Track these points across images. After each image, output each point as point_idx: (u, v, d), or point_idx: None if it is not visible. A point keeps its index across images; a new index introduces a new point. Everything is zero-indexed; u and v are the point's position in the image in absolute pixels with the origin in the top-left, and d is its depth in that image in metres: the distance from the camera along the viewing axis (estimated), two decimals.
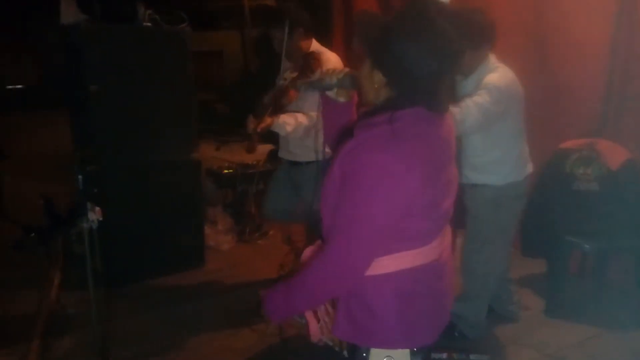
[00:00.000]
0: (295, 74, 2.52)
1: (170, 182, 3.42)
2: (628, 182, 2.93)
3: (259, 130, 2.57)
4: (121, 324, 2.94)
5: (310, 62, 2.42)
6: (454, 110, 2.16)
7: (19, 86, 13.93)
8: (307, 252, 1.45)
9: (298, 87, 1.42)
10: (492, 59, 2.39)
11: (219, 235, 4.12)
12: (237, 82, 13.36)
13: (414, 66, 1.17)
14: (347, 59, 5.09)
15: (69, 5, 3.30)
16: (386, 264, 1.26)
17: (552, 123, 3.30)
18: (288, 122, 2.65)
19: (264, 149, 6.06)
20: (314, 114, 2.57)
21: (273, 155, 5.25)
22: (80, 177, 2.09)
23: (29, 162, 8.24)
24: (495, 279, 2.61)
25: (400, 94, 1.23)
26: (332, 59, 2.65)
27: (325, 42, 5.41)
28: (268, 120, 2.59)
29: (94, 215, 2.13)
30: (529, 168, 2.57)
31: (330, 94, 1.43)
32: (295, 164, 2.97)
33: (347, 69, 1.40)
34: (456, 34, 1.18)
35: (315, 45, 2.80)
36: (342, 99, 1.43)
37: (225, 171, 4.51)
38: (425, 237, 1.29)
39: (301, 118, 2.68)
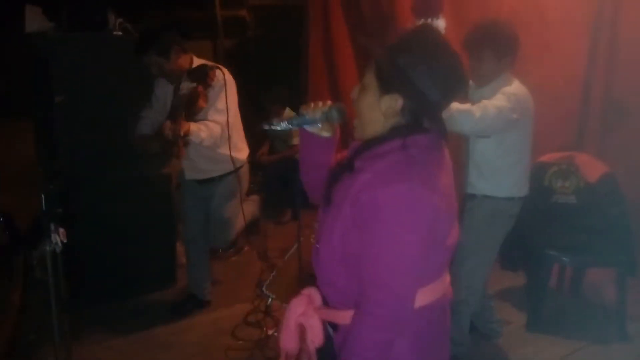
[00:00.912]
0: (193, 84, 2.55)
1: (140, 198, 3.26)
2: (606, 195, 2.94)
3: (182, 134, 2.48)
4: (88, 348, 2.78)
5: (207, 72, 2.55)
6: (473, 108, 2.15)
7: None
8: (295, 306, 1.32)
9: (272, 124, 1.30)
10: (510, 74, 2.37)
11: None
12: None
13: (431, 90, 1.13)
14: (325, 72, 5.11)
15: (34, 13, 3.15)
16: None
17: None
18: (201, 129, 2.59)
19: None
20: (221, 119, 2.66)
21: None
22: (43, 195, 1.95)
23: None
24: (475, 295, 2.57)
25: (412, 119, 1.17)
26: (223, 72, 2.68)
27: (302, 54, 5.40)
28: (185, 125, 2.50)
29: (58, 237, 1.99)
30: (527, 189, 2.55)
31: (313, 129, 1.33)
32: (206, 181, 2.94)
33: (329, 102, 1.32)
34: (460, 63, 1.18)
35: (197, 60, 2.81)
36: (326, 134, 1.33)
37: None
38: (440, 269, 1.23)
39: (212, 126, 2.64)
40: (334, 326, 1.30)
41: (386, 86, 1.17)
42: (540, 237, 3.02)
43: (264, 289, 2.37)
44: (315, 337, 1.29)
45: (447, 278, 1.29)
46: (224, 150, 2.79)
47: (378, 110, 1.19)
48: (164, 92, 2.90)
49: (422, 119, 1.18)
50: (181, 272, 3.68)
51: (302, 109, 1.33)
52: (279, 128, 1.31)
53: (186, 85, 2.62)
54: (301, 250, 2.47)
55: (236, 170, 2.86)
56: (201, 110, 2.59)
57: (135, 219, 3.24)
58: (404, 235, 1.10)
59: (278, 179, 4.92)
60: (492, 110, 2.17)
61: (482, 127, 2.20)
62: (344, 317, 1.23)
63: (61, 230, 1.98)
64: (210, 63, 2.72)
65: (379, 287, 1.12)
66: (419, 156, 1.14)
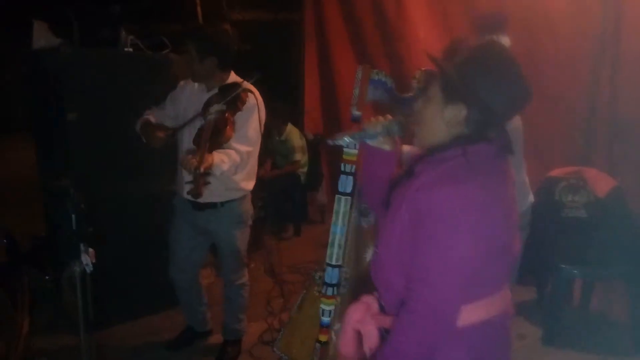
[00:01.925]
0: (223, 107, 2.30)
1: (151, 215, 3.20)
2: (615, 209, 3.01)
3: (202, 170, 2.12)
4: None
5: (239, 95, 2.35)
6: None
7: None
8: (353, 312, 1.32)
9: (335, 140, 1.32)
10: None
11: None
12: None
13: (495, 101, 1.15)
14: (319, 86, 5.14)
15: (41, 29, 3.11)
16: (462, 317, 1.17)
17: (541, 152, 3.36)
18: (224, 161, 2.32)
19: None
20: (244, 149, 2.43)
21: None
22: (73, 215, 1.90)
23: None
24: None
25: (475, 130, 1.19)
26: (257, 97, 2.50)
27: (296, 69, 5.42)
28: (209, 158, 2.20)
29: (88, 258, 1.94)
30: (530, 198, 2.59)
31: (374, 142, 1.37)
32: (205, 206, 2.59)
33: (388, 116, 1.36)
34: (524, 78, 1.19)
35: (234, 77, 2.60)
36: (387, 147, 1.38)
37: None
38: (500, 281, 1.22)
39: (234, 155, 2.38)
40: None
41: (451, 96, 1.20)
42: (551, 251, 3.07)
43: (274, 349, 2.22)
44: (372, 344, 1.29)
45: (507, 294, 1.29)
46: (236, 178, 2.58)
47: (441, 120, 1.22)
48: (188, 97, 2.61)
49: (485, 130, 1.21)
50: None
51: (364, 124, 1.36)
52: (341, 143, 1.34)
53: (215, 109, 2.32)
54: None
55: (242, 197, 2.67)
56: (228, 140, 2.35)
57: (151, 236, 3.16)
58: (454, 235, 1.11)
59: (280, 195, 4.91)
60: None
61: None
62: None
63: (91, 250, 1.93)
64: (244, 82, 2.47)
65: (423, 284, 1.14)
66: (480, 164, 1.16)
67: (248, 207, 2.77)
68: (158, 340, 3.07)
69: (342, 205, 1.43)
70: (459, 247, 1.11)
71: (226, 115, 2.30)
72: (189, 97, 2.62)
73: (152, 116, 2.64)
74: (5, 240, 3.40)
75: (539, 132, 3.24)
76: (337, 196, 1.44)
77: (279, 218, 5.03)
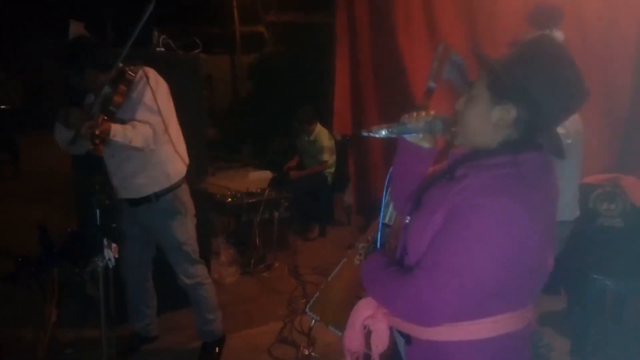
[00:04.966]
0: (109, 87, 2.32)
1: None
2: None
3: (97, 132, 2.13)
4: None
5: (125, 69, 2.36)
6: None
7: (3, 107, 13.68)
8: (364, 306, 1.28)
9: (371, 131, 1.25)
10: None
11: (222, 267, 3.95)
12: (227, 107, 13.31)
13: (548, 101, 1.08)
14: (350, 89, 5.12)
15: (77, 28, 3.19)
16: (484, 328, 1.12)
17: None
18: (127, 128, 2.29)
19: (263, 175, 5.97)
20: (152, 119, 2.39)
21: (275, 182, 5.15)
22: (97, 211, 1.94)
23: (15, 184, 8.01)
24: None
25: (526, 133, 1.12)
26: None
27: (328, 71, 5.41)
28: (106, 124, 2.19)
29: (110, 252, 1.97)
30: (577, 211, 2.49)
31: (413, 138, 1.29)
32: (140, 201, 2.55)
33: (432, 112, 1.27)
34: (582, 78, 1.10)
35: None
36: (427, 145, 1.29)
37: (229, 200, 4.35)
38: (528, 297, 1.16)
39: (140, 126, 2.34)
40: (407, 338, 1.23)
41: (499, 96, 1.12)
42: (584, 261, 2.95)
43: (307, 310, 2.28)
44: (380, 343, 1.24)
45: (532, 308, 1.23)
46: (158, 160, 2.52)
47: (487, 121, 1.13)
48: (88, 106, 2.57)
49: (536, 134, 1.13)
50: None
51: (404, 118, 1.28)
52: (377, 135, 1.25)
53: (104, 91, 2.34)
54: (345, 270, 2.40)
55: (174, 187, 2.60)
56: (120, 106, 2.34)
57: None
58: (480, 247, 1.04)
59: (306, 195, 4.91)
60: None
61: None
62: (420, 330, 1.17)
63: (114, 245, 1.97)
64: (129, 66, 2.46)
65: (427, 275, 1.08)
66: (529, 176, 1.09)
67: (186, 197, 2.67)
68: (177, 337, 3.10)
69: None
70: (477, 258, 1.05)
71: (114, 89, 2.33)
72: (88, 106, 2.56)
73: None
74: (39, 233, 3.50)
75: None
76: None
77: (304, 218, 5.03)
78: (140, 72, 2.46)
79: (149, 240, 2.74)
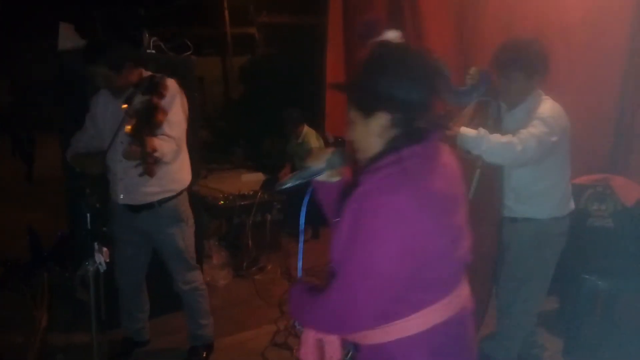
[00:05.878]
0: (147, 97, 2.26)
1: None
2: None
3: (150, 150, 2.13)
4: None
5: (159, 82, 2.29)
6: (514, 140, 2.12)
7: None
8: None
9: (282, 184, 1.34)
10: (540, 91, 2.35)
11: (214, 270, 3.93)
12: (219, 109, 13.26)
13: (408, 93, 1.15)
14: (347, 64, 5.11)
15: (67, 31, 3.17)
16: (416, 323, 1.18)
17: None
18: (162, 144, 2.29)
19: (256, 177, 5.95)
20: (175, 134, 2.41)
21: (268, 185, 5.13)
22: (88, 215, 1.92)
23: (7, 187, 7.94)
24: (530, 320, 2.52)
25: (406, 126, 1.18)
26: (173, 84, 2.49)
27: (319, 73, 5.40)
28: (152, 141, 2.17)
29: (101, 257, 1.95)
30: (571, 205, 2.51)
31: (322, 177, 1.37)
32: (143, 208, 2.55)
33: (326, 149, 1.38)
34: (428, 58, 1.21)
35: (146, 73, 2.56)
36: (334, 179, 1.38)
37: (222, 202, 4.33)
38: (448, 285, 1.22)
39: (169, 141, 2.36)
40: (355, 346, 1.32)
41: (367, 110, 1.19)
42: (575, 261, 2.97)
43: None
44: (334, 353, 1.30)
45: (462, 291, 1.27)
46: (170, 169, 2.54)
47: (371, 134, 1.21)
48: (104, 110, 2.58)
49: (415, 123, 1.19)
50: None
51: (307, 161, 1.37)
52: (290, 185, 1.34)
53: (139, 100, 2.29)
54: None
55: (177, 195, 2.62)
56: (160, 125, 2.27)
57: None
58: (377, 248, 1.11)
59: (299, 198, 4.89)
60: (532, 142, 2.14)
61: (524, 159, 2.17)
62: (360, 336, 1.25)
63: (105, 249, 1.95)
64: (157, 75, 2.42)
65: (340, 285, 1.16)
66: (414, 168, 1.15)
67: (186, 205, 2.70)
68: (168, 340, 3.08)
69: None
70: (382, 256, 1.10)
71: (152, 101, 2.24)
72: (103, 110, 2.58)
73: (80, 144, 2.63)
74: (28, 237, 3.47)
75: None
76: None
77: (297, 221, 5.02)
78: (174, 85, 2.47)
79: (145, 245, 2.73)
